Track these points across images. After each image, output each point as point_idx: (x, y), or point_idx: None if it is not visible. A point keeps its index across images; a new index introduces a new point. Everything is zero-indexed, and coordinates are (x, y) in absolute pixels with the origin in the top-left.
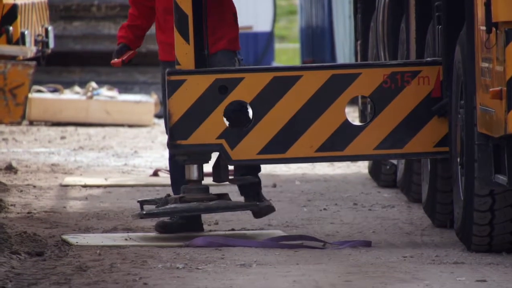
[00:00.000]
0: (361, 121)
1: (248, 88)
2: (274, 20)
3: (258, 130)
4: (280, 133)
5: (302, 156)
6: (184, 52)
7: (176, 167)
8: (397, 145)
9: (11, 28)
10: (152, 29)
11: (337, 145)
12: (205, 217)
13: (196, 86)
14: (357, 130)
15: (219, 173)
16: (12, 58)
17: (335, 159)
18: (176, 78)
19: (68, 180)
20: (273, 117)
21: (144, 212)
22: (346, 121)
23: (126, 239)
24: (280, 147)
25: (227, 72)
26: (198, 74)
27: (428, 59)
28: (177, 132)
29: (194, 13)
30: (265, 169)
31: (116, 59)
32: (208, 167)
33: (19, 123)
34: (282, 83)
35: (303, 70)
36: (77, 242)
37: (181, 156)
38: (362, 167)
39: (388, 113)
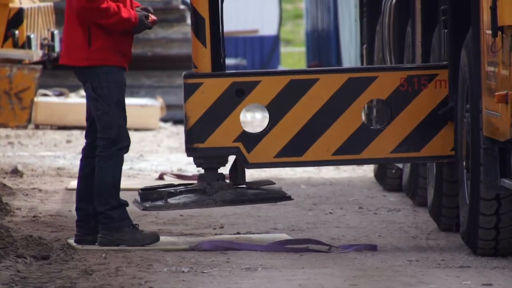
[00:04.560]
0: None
1: (265, 91)
2: (280, 24)
3: (275, 133)
4: (297, 136)
5: (319, 160)
6: (200, 55)
7: (83, 177)
8: (414, 148)
9: (17, 32)
10: (158, 34)
11: (353, 148)
12: (210, 220)
13: (212, 89)
14: (374, 133)
15: (236, 176)
16: (18, 62)
17: (352, 162)
18: (193, 81)
19: (74, 183)
20: (289, 121)
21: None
22: (363, 124)
23: None
24: (297, 150)
25: (244, 76)
26: (214, 77)
27: (445, 62)
28: (193, 135)
29: (211, 17)
30: (271, 172)
31: (150, 19)
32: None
33: (25, 127)
34: (299, 86)
35: (320, 73)
36: (82, 246)
37: (198, 159)
38: (367, 170)
39: (405, 116)
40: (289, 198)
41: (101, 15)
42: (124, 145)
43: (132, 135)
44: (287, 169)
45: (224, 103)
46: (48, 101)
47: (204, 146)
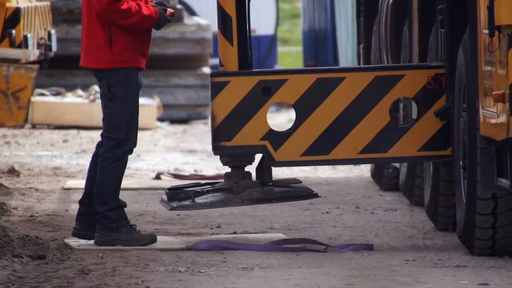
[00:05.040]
0: None
1: (292, 89)
2: (277, 24)
3: (302, 131)
4: (324, 135)
5: (345, 158)
6: (228, 53)
7: (92, 179)
8: (441, 147)
9: (14, 31)
10: (155, 33)
11: (380, 147)
12: (207, 220)
13: (239, 87)
14: (400, 131)
15: (262, 175)
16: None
17: (379, 160)
18: (220, 80)
19: (71, 183)
20: (316, 119)
21: (175, 205)
22: (390, 122)
23: None
24: (323, 149)
25: (271, 74)
26: (241, 76)
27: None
28: (220, 134)
29: (238, 15)
30: None
31: (168, 13)
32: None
33: (21, 126)
34: (326, 84)
35: (347, 71)
36: (79, 246)
37: (225, 158)
38: (364, 170)
39: (432, 114)
40: (316, 195)
41: (123, 16)
42: (129, 148)
43: None
44: (284, 168)
45: (250, 102)
46: (45, 101)
47: (230, 145)
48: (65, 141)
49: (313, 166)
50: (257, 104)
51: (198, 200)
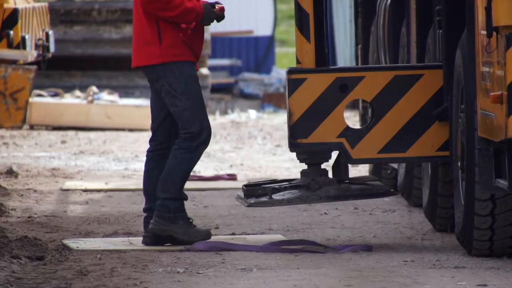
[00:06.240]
0: (361, 126)
1: (369, 87)
2: (275, 24)
3: (379, 129)
4: (401, 132)
5: (423, 155)
6: (305, 50)
7: (149, 178)
8: None
9: (11, 32)
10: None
11: None
12: (205, 221)
13: (316, 84)
14: None
15: (339, 172)
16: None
17: None
18: (297, 77)
19: (69, 184)
20: (394, 116)
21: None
22: None
23: (127, 244)
24: (400, 146)
25: (348, 71)
26: (318, 73)
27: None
28: (297, 131)
29: (315, 12)
30: (266, 173)
31: (217, 8)
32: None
33: (19, 128)
34: (403, 82)
35: (424, 69)
36: (77, 247)
37: (301, 155)
38: (362, 171)
39: None
40: (394, 193)
41: (166, 7)
42: (205, 137)
43: (127, 135)
44: (282, 169)
45: (327, 99)
46: (43, 102)
47: (307, 142)
48: (63, 142)
49: None
50: (334, 101)
51: (276, 197)
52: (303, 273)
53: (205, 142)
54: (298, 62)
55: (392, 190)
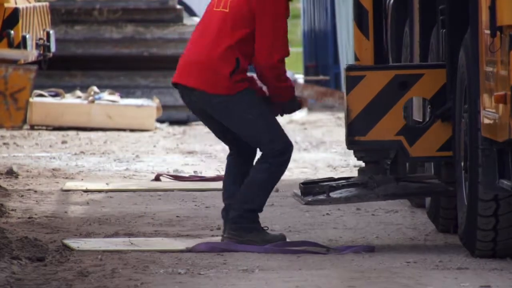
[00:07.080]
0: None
1: (428, 84)
2: None
3: (438, 126)
4: None
5: None
6: (363, 47)
7: (228, 174)
8: None
9: (12, 32)
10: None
11: None
12: (207, 222)
13: (375, 82)
14: None
15: (397, 170)
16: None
17: None
18: (355, 74)
19: (69, 185)
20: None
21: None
22: None
23: (128, 244)
24: None
25: (407, 68)
26: (377, 70)
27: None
28: (355, 128)
29: (374, 9)
30: None
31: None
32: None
33: (20, 128)
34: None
35: None
36: (78, 247)
37: (359, 153)
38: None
39: None
40: (452, 192)
41: (281, 78)
42: (291, 149)
43: (128, 136)
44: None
45: (386, 96)
46: (43, 102)
47: (365, 139)
48: (64, 142)
49: (313, 167)
50: (393, 99)
51: (333, 195)
52: (305, 274)
53: (289, 156)
54: (356, 59)
55: (451, 189)
